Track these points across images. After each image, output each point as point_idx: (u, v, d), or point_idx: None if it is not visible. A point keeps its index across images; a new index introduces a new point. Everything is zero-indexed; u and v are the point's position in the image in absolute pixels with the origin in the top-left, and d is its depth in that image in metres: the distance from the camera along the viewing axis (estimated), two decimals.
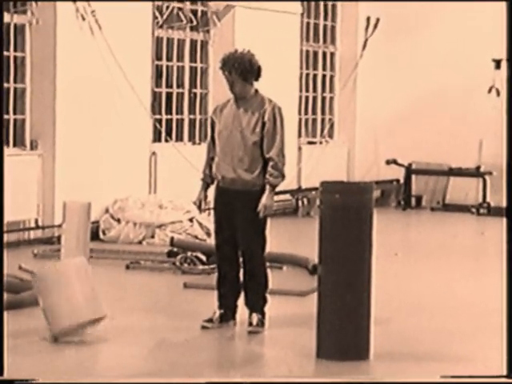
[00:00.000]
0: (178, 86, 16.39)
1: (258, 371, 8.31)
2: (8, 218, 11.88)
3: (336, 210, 8.13)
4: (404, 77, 18.32)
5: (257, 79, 8.90)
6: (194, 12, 16.34)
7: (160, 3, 16.00)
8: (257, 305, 9.04)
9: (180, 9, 16.11)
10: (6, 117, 13.69)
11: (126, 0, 14.44)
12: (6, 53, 13.98)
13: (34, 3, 13.82)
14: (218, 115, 9.08)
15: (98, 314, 8.64)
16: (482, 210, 17.45)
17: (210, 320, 9.05)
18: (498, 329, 7.42)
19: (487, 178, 17.72)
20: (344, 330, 8.05)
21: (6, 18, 13.91)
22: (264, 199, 8.66)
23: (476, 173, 17.78)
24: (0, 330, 4.89)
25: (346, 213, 8.08)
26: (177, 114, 16.33)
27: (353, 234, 8.02)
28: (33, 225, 13.43)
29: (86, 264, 8.86)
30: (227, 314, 9.13)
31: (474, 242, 15.77)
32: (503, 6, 16.04)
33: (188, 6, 16.30)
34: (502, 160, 17.08)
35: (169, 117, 16.21)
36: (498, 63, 17.16)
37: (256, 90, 8.98)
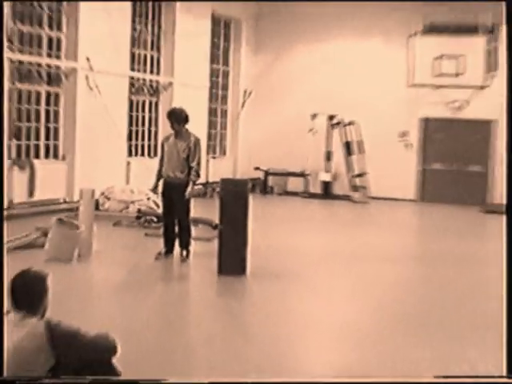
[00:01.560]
0: (144, 125, 16.63)
1: (185, 280, 9.17)
2: (51, 196, 13.61)
3: (229, 194, 8.98)
4: (267, 122, 19.68)
5: (186, 123, 9.71)
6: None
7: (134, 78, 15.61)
8: (186, 246, 9.77)
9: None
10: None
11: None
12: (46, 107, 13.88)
13: (64, 79, 14.19)
14: (165, 142, 9.90)
15: None
16: (305, 195, 19.11)
17: (160, 254, 9.85)
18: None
19: (309, 177, 19.37)
20: (231, 258, 8.98)
21: (41, 88, 13.73)
22: (189, 188, 9.60)
23: (302, 174, 19.34)
24: (0, 330, 4.27)
25: (234, 195, 8.97)
26: (142, 140, 16.72)
27: (237, 207, 8.98)
28: (62, 201, 13.94)
29: None
30: (168, 251, 9.85)
31: (301, 211, 17.02)
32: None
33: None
34: (318, 167, 18.67)
35: (140, 142, 16.55)
36: (314, 116, 18.73)
37: (186, 129, 9.76)
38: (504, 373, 4.30)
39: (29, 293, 4.07)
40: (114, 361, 4.20)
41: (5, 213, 11.84)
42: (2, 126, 4.87)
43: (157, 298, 8.12)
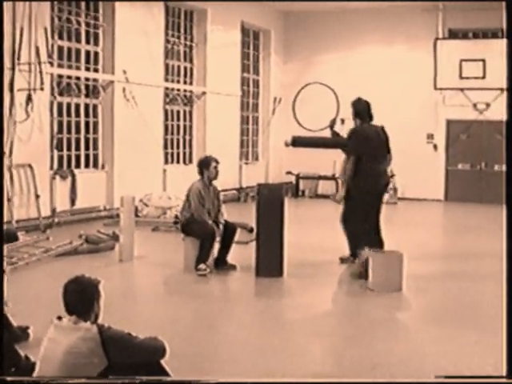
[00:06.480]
0: (179, 133, 16.79)
1: (229, 279, 9.18)
2: (92, 204, 13.74)
3: (265, 198, 9.01)
4: (297, 127, 17.58)
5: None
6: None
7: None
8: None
9: None
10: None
11: None
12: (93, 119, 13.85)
13: (102, 91, 14.32)
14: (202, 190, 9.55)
15: None
16: None
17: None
18: None
19: (339, 180, 17.81)
20: (268, 260, 8.95)
21: (80, 100, 13.96)
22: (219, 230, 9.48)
23: (333, 178, 19.23)
24: (0, 331, 4.09)
25: (270, 199, 9.02)
26: (177, 148, 16.78)
27: (273, 210, 8.99)
28: (102, 208, 14.16)
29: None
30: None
31: (333, 213, 14.80)
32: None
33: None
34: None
35: (176, 150, 16.79)
36: (342, 121, 16.32)
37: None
38: (504, 373, 4.16)
39: (82, 298, 4.07)
40: (164, 363, 4.20)
41: (48, 221, 12.64)
42: (1, 129, 4.54)
43: (198, 296, 8.30)
